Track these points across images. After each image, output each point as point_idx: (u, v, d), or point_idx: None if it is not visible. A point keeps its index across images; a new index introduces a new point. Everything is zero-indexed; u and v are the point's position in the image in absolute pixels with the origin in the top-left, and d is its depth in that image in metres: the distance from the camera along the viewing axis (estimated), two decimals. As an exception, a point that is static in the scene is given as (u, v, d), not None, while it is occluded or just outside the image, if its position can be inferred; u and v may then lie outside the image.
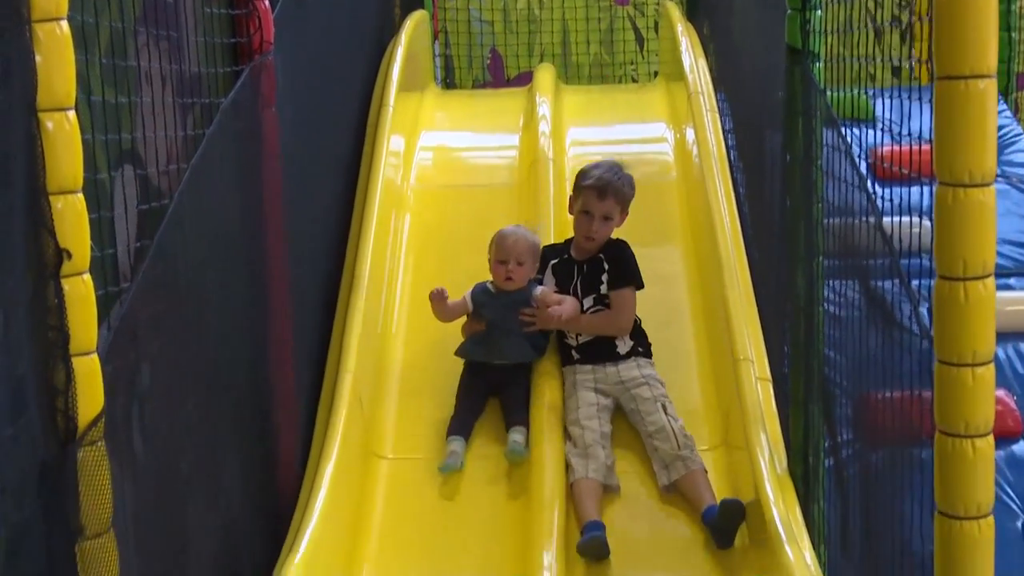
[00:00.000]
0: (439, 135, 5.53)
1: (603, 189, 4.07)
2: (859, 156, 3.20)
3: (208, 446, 2.97)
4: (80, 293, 2.09)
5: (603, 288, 4.08)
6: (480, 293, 4.15)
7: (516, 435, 3.91)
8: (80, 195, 2.08)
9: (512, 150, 5.37)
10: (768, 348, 4.12)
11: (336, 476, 3.52)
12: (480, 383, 4.10)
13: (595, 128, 5.61)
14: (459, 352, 4.14)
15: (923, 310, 2.51)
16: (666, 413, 3.88)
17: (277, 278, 3.55)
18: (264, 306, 3.51)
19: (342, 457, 3.61)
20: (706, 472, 3.78)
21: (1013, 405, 4.44)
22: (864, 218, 3.00)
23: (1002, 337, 4.56)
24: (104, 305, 2.24)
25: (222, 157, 3.10)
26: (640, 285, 4.11)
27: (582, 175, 4.19)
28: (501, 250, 4.10)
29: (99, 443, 2.12)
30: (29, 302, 2.03)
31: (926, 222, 2.31)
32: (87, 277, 2.10)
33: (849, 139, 3.23)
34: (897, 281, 2.75)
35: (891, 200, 2.77)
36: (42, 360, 2.06)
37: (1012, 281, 5.07)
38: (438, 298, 4.13)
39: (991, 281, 2.19)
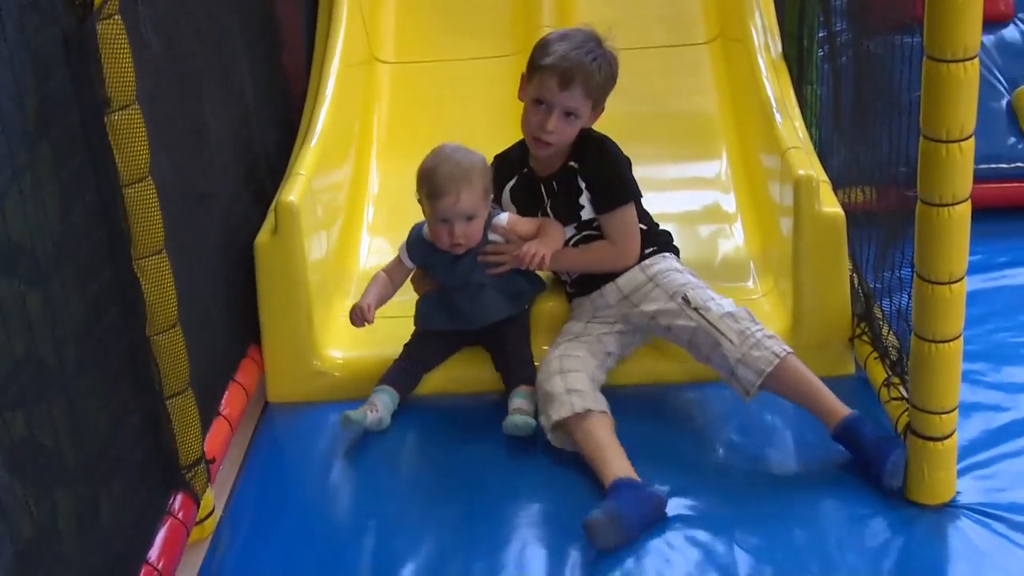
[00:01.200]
0: None
1: (568, 73, 2.81)
2: None
3: (217, 45, 3.02)
4: None
5: (584, 213, 2.95)
6: (418, 247, 2.98)
7: (519, 399, 2.85)
8: None
9: None
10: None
11: (341, 74, 3.62)
12: (450, 335, 3.03)
13: None
14: (419, 320, 3.04)
15: None
16: (690, 306, 2.81)
17: None
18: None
19: (345, 58, 3.69)
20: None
21: (1006, -11, 4.46)
22: None
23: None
24: None
25: None
26: (636, 195, 2.95)
27: (540, 49, 2.88)
28: (439, 206, 2.85)
29: (115, 17, 2.19)
30: None
31: None
32: None
33: None
34: None
35: None
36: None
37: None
38: (360, 319, 2.91)
39: None
